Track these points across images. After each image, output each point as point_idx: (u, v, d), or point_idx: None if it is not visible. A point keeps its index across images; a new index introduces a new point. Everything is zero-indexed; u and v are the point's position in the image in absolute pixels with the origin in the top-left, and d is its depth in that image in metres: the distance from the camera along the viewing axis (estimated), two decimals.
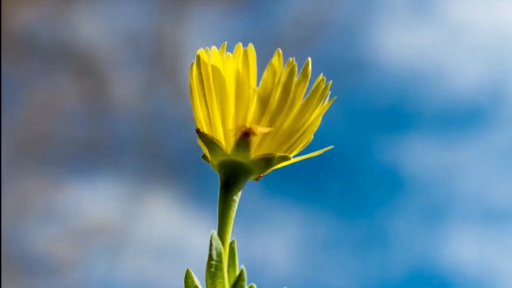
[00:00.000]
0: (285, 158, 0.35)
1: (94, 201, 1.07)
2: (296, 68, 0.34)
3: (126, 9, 1.07)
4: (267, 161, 0.35)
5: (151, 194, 1.02)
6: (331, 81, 0.36)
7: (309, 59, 0.35)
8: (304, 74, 0.35)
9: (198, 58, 0.35)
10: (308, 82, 0.35)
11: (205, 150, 0.36)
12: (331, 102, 0.36)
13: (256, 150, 0.35)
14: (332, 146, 0.38)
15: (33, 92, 1.06)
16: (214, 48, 0.36)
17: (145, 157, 1.03)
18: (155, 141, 1.03)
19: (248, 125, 0.34)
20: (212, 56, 0.35)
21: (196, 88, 0.36)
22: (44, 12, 1.06)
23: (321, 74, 0.36)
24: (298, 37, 1.03)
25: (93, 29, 1.06)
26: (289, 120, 0.35)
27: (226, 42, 0.36)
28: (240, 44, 0.35)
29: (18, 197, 1.06)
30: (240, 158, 0.35)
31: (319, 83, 0.35)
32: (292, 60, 0.34)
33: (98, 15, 1.07)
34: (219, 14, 1.04)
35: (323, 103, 0.36)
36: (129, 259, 1.02)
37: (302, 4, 1.03)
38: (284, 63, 0.34)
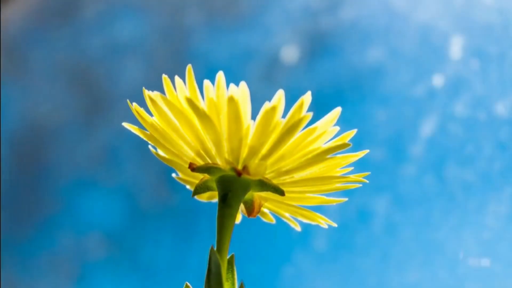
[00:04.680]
0: (279, 192, 0.35)
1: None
2: (306, 119, 0.32)
3: (124, 23, 1.07)
4: (262, 182, 0.35)
5: (148, 208, 1.02)
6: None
7: (311, 93, 0.32)
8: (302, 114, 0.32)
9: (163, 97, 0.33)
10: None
11: (201, 176, 0.36)
12: (360, 155, 0.34)
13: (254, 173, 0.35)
14: (346, 199, 0.37)
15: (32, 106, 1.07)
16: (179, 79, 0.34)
17: (143, 170, 1.03)
18: (152, 154, 1.04)
19: (239, 167, 0.34)
20: (179, 87, 0.34)
21: (174, 126, 0.35)
22: (44, 23, 1.07)
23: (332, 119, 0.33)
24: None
25: (93, 42, 1.06)
26: (289, 160, 0.34)
27: (190, 65, 0.34)
28: (221, 72, 0.33)
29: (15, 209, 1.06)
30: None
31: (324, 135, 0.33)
32: (307, 115, 0.32)
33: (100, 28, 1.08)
34: (221, 27, 1.04)
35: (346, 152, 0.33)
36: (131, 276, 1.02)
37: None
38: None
